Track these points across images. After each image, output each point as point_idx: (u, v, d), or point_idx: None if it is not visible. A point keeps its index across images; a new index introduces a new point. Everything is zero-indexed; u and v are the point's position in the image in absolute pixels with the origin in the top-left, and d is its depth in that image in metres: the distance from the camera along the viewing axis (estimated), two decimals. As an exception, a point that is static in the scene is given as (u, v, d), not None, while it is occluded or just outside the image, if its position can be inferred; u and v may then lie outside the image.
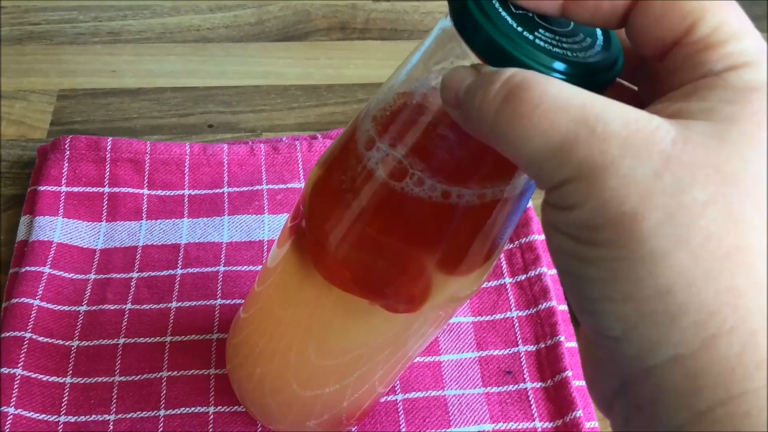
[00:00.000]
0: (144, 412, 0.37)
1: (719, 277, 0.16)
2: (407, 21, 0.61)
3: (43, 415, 0.36)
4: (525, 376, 0.39)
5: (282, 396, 0.35)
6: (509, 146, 0.18)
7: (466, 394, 0.39)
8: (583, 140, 0.17)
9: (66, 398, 0.37)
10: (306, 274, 0.28)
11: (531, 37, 0.19)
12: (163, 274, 0.42)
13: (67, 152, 0.45)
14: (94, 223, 0.44)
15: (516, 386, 0.39)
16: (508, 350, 0.40)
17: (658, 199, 0.16)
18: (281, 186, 0.47)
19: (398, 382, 0.39)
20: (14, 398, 0.36)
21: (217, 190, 0.46)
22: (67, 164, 0.45)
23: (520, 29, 0.19)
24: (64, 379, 0.38)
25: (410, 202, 0.23)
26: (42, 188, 0.44)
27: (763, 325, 0.16)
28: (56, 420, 0.36)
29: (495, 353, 0.40)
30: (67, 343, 0.39)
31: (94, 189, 0.45)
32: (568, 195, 0.17)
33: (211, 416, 0.37)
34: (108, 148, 0.46)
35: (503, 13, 0.19)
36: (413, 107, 0.23)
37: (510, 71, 0.18)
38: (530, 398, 0.38)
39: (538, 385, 0.39)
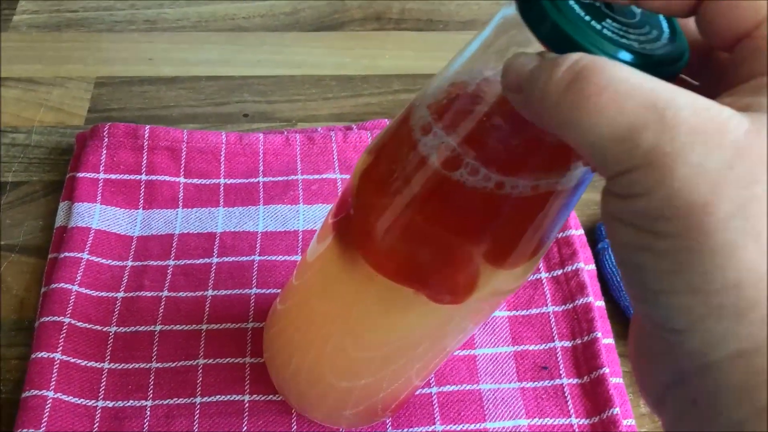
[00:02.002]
0: (180, 399, 0.37)
1: None
2: (443, 12, 0.60)
3: (82, 400, 0.36)
4: (561, 372, 0.39)
5: (319, 386, 0.35)
6: (573, 131, 0.17)
7: (502, 389, 0.38)
8: (652, 126, 0.16)
9: (104, 383, 0.37)
10: (349, 264, 0.28)
11: (598, 26, 0.19)
12: (199, 262, 0.43)
13: (106, 139, 0.46)
14: (132, 211, 0.44)
15: (552, 382, 0.38)
16: (543, 345, 0.40)
17: (729, 190, 0.16)
18: (316, 176, 0.47)
19: (433, 374, 0.39)
20: (53, 382, 0.36)
21: (252, 180, 0.46)
22: (105, 151, 0.45)
23: (587, 18, 0.19)
24: (102, 364, 0.38)
25: (462, 192, 0.23)
26: (81, 175, 0.44)
27: None
28: (95, 405, 0.37)
29: (530, 348, 0.40)
30: (105, 329, 0.39)
31: (132, 176, 0.45)
32: (635, 183, 0.17)
33: (247, 404, 0.37)
34: (146, 136, 0.46)
35: (570, 2, 0.19)
36: (470, 96, 0.23)
37: (577, 55, 0.18)
38: (566, 394, 0.38)
39: (575, 381, 0.38)
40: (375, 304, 0.28)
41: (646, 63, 0.19)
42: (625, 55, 0.19)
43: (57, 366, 0.37)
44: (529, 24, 0.19)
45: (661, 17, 0.21)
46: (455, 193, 0.23)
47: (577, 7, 0.19)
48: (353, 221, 0.27)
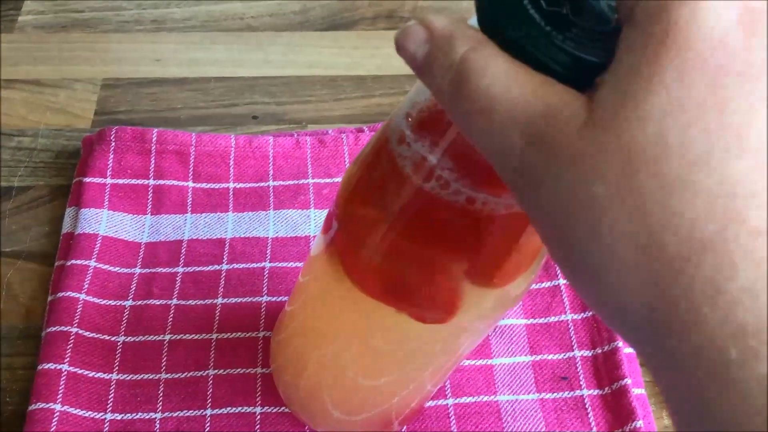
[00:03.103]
0: (190, 411, 0.36)
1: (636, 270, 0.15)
2: (455, 10, 0.59)
3: (90, 412, 0.36)
4: (581, 383, 0.38)
5: (319, 400, 0.34)
6: (463, 130, 0.18)
7: (520, 400, 0.37)
8: (517, 147, 0.16)
9: (112, 395, 0.36)
10: (336, 280, 0.27)
11: (561, 37, 0.18)
12: (208, 269, 0.42)
13: (113, 143, 0.45)
14: (140, 216, 0.43)
15: (572, 393, 0.37)
16: (563, 355, 0.39)
17: (566, 203, 0.16)
18: (327, 180, 0.46)
19: (449, 385, 0.38)
20: (61, 394, 0.35)
21: (262, 184, 0.45)
22: (112, 156, 0.44)
23: (548, 28, 0.18)
24: (110, 375, 0.37)
25: (436, 206, 0.22)
26: (87, 180, 0.44)
27: None
28: (102, 417, 0.36)
29: (549, 357, 0.39)
30: (113, 339, 0.38)
31: (140, 181, 0.44)
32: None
33: (258, 416, 0.36)
34: (153, 139, 0.45)
35: (531, 11, 0.18)
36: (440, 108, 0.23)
37: (460, 50, 0.17)
38: (587, 406, 0.37)
39: (595, 392, 0.37)
40: (363, 319, 0.28)
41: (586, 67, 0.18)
42: (561, 62, 0.18)
43: (64, 378, 0.36)
44: (484, 29, 0.19)
45: None
46: (429, 207, 0.22)
47: (537, 17, 0.18)
48: (336, 234, 0.26)
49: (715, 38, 0.15)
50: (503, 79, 0.17)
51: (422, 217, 0.23)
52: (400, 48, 0.19)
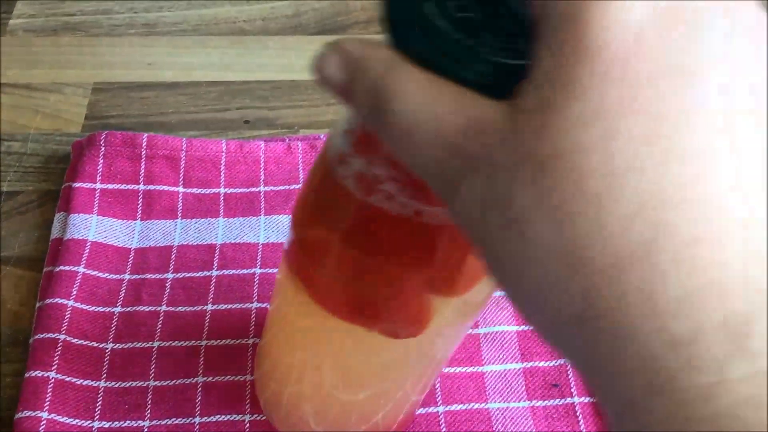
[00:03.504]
0: (179, 419, 0.36)
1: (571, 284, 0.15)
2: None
3: (77, 420, 0.35)
4: (572, 390, 0.37)
5: (300, 416, 0.34)
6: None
7: (511, 408, 0.37)
8: (442, 165, 0.16)
9: (100, 403, 0.36)
10: (302, 302, 0.27)
11: (471, 42, 0.18)
12: (198, 275, 0.41)
13: (103, 148, 0.44)
14: (129, 222, 0.43)
15: (563, 400, 0.37)
16: (554, 362, 0.39)
17: (490, 217, 0.15)
18: (319, 185, 0.45)
19: (440, 393, 0.37)
20: (48, 402, 0.35)
21: (253, 189, 0.45)
22: (102, 160, 0.44)
23: (457, 36, 0.18)
24: (98, 382, 0.37)
25: (385, 221, 0.22)
26: (77, 185, 0.43)
27: None
28: (90, 426, 0.35)
29: (540, 365, 0.39)
30: (101, 346, 0.38)
31: (130, 186, 0.44)
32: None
33: (247, 424, 0.36)
34: (144, 144, 0.45)
35: (440, 22, 0.18)
36: None
37: (373, 72, 0.17)
38: (578, 413, 0.37)
39: (586, 399, 0.37)
40: (334, 339, 0.28)
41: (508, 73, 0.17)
42: (476, 70, 0.17)
43: (52, 385, 0.36)
44: (396, 46, 0.19)
45: None
46: (378, 222, 0.22)
47: (445, 27, 0.18)
48: (295, 255, 0.26)
49: (630, 39, 0.14)
50: (420, 98, 0.16)
51: (373, 232, 0.23)
52: (319, 75, 0.19)
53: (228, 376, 0.38)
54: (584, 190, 0.14)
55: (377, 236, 0.23)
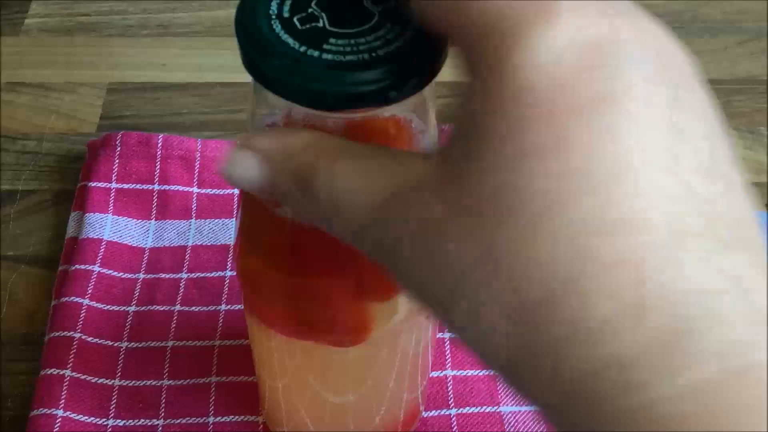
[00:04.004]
0: (193, 419, 0.36)
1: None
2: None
3: (92, 418, 0.35)
4: (585, 395, 0.37)
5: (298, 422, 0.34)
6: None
7: (523, 411, 0.37)
8: (377, 233, 0.17)
9: (114, 401, 0.36)
10: (255, 324, 0.29)
11: (317, 53, 0.19)
12: (212, 275, 0.41)
13: (118, 148, 0.45)
14: (144, 221, 0.43)
15: (575, 405, 0.37)
16: (566, 366, 0.39)
17: (427, 271, 0.16)
18: (332, 187, 0.46)
19: (452, 395, 0.38)
20: (63, 400, 0.35)
21: (266, 190, 0.45)
22: (117, 160, 0.44)
23: (302, 48, 0.19)
24: (112, 381, 0.37)
25: (298, 231, 0.23)
26: (92, 184, 0.44)
27: None
28: (105, 424, 0.36)
29: (553, 369, 0.39)
30: (115, 344, 0.38)
31: (144, 186, 0.44)
32: None
33: (261, 425, 0.36)
34: (159, 144, 0.45)
35: (284, 36, 0.19)
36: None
37: (291, 162, 0.18)
38: (590, 418, 0.37)
39: (599, 404, 0.37)
40: (292, 357, 0.29)
41: (371, 70, 0.18)
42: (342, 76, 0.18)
43: (67, 383, 0.36)
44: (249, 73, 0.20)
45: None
46: (291, 233, 0.23)
47: (291, 41, 0.19)
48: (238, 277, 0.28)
49: (553, 78, 0.14)
50: (340, 175, 0.17)
51: (287, 244, 0.24)
52: (234, 179, 0.19)
53: (242, 377, 0.38)
54: (515, 230, 0.14)
55: (292, 248, 0.24)
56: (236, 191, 0.45)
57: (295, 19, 0.20)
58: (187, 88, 0.52)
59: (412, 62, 0.19)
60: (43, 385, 0.36)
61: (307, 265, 0.24)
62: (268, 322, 0.27)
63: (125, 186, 0.44)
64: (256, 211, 0.24)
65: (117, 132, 0.45)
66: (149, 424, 0.36)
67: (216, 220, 0.44)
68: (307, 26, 0.19)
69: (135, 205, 0.44)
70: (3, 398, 0.37)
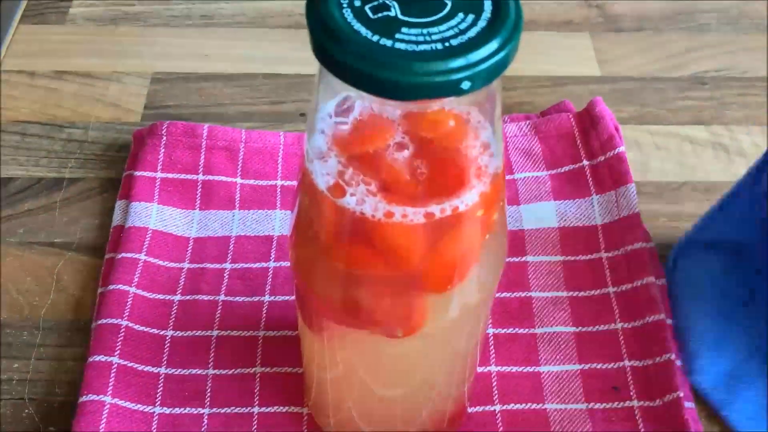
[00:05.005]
0: (238, 408, 0.36)
1: None
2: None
3: (139, 405, 0.36)
4: (632, 394, 0.37)
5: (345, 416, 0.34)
6: None
7: (569, 409, 0.37)
8: None
9: (161, 389, 0.37)
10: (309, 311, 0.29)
11: (390, 42, 0.19)
12: (256, 266, 0.42)
13: (164, 138, 0.45)
14: (188, 211, 0.43)
15: (622, 404, 0.37)
16: (612, 364, 0.38)
17: None
18: (375, 180, 0.45)
19: (496, 391, 0.37)
20: (111, 387, 0.36)
21: (309, 182, 0.45)
22: (163, 150, 0.45)
23: (375, 37, 0.19)
24: (158, 369, 0.37)
25: (358, 223, 0.23)
26: (138, 173, 0.44)
27: None
28: (152, 411, 0.36)
29: (598, 367, 0.38)
30: (161, 333, 0.39)
31: (189, 176, 0.44)
32: None
33: (305, 417, 0.36)
34: (204, 135, 0.45)
35: (357, 25, 0.19)
36: (345, 122, 0.24)
37: None
38: (637, 417, 0.36)
39: (646, 404, 0.37)
40: (343, 348, 0.29)
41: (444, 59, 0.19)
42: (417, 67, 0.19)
43: (114, 370, 0.36)
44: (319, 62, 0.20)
45: None
46: (351, 224, 0.23)
47: (363, 30, 0.19)
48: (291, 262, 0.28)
49: None
50: None
51: (349, 234, 0.24)
52: None
53: (286, 368, 0.38)
54: None
55: (354, 240, 0.24)
56: (279, 183, 0.45)
57: (366, 8, 0.20)
58: (231, 78, 0.52)
59: (485, 53, 0.19)
60: (92, 372, 0.36)
61: (367, 255, 0.24)
62: (322, 312, 0.27)
63: (170, 176, 0.44)
64: (316, 202, 0.24)
65: (163, 122, 0.46)
66: (195, 412, 0.36)
67: (259, 211, 0.44)
68: (379, 15, 0.19)
69: (179, 194, 0.44)
70: (51, 384, 0.38)
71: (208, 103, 0.51)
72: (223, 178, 0.45)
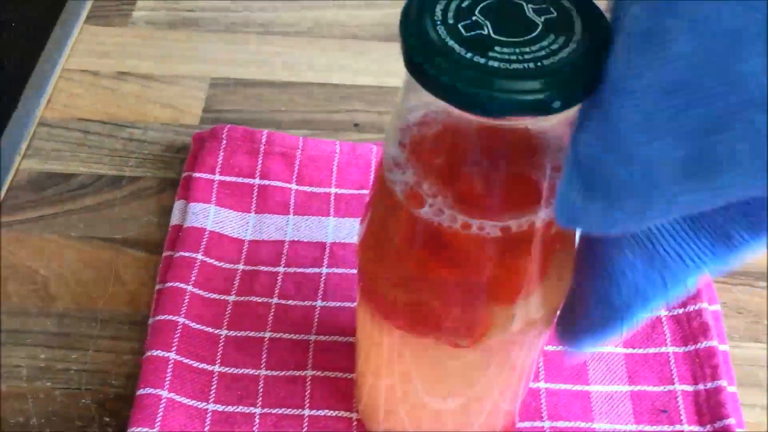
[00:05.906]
0: (289, 409, 0.37)
1: None
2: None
3: (194, 401, 0.36)
4: (682, 418, 0.37)
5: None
6: None
7: (617, 430, 0.37)
8: None
9: (215, 386, 0.37)
10: (369, 316, 0.29)
11: (483, 60, 0.19)
12: (309, 271, 0.42)
13: (224, 141, 0.46)
14: (244, 214, 0.44)
15: (671, 427, 0.37)
16: (662, 387, 0.38)
17: None
18: (428, 192, 0.46)
19: (545, 408, 0.37)
20: (168, 381, 0.36)
21: (363, 192, 0.46)
22: (222, 153, 0.46)
23: (469, 55, 0.19)
24: (212, 367, 0.38)
25: (434, 233, 0.24)
26: (197, 175, 0.45)
27: None
28: (205, 407, 0.36)
29: (648, 389, 0.38)
30: (216, 331, 0.39)
31: (246, 180, 0.45)
32: None
33: (355, 422, 0.37)
34: (263, 140, 0.46)
35: (450, 42, 0.20)
36: (433, 131, 0.24)
37: None
38: (687, 442, 0.36)
39: (696, 429, 0.37)
40: (402, 355, 0.30)
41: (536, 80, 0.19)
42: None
43: (171, 365, 0.37)
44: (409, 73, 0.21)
45: (574, 14, 0.21)
46: (427, 233, 0.24)
47: (457, 47, 0.19)
48: (359, 270, 0.29)
49: None
50: None
51: (424, 244, 0.25)
52: None
53: (336, 373, 0.38)
54: None
55: (428, 248, 0.25)
56: (333, 191, 0.46)
57: (459, 26, 0.20)
58: (287, 86, 0.53)
59: (577, 74, 0.20)
60: (150, 366, 0.37)
61: (439, 262, 0.25)
62: (387, 318, 0.28)
63: (228, 179, 0.45)
64: (392, 209, 0.25)
65: (223, 125, 0.47)
66: (247, 411, 0.37)
67: (313, 218, 0.45)
68: (472, 33, 0.20)
69: (236, 197, 0.45)
70: (107, 376, 0.39)
71: (264, 108, 0.52)
72: (279, 184, 0.45)
